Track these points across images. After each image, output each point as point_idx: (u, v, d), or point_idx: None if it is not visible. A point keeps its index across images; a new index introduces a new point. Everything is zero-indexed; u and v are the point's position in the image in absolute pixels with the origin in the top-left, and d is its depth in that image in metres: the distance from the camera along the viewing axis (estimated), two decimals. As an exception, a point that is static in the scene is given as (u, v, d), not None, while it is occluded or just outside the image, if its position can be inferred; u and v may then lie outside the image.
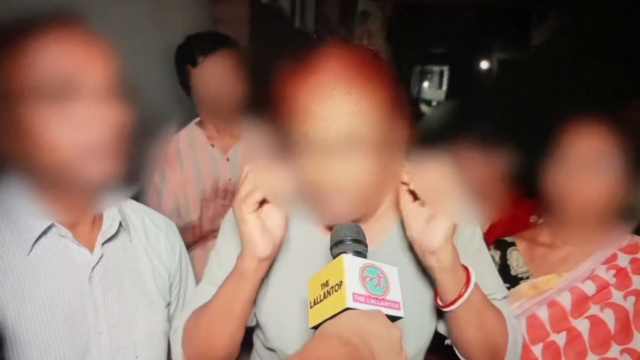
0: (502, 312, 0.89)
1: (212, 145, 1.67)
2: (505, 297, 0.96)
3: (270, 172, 0.78)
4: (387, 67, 0.79)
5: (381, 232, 0.91)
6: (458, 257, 0.80)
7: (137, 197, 0.99)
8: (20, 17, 0.72)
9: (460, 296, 0.79)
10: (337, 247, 0.72)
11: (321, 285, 0.69)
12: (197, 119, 1.71)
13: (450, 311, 0.82)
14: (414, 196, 0.79)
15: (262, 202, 0.80)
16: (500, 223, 1.47)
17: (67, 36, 0.73)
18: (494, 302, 0.90)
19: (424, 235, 0.77)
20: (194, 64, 1.55)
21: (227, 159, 1.66)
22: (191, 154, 1.66)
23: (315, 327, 0.67)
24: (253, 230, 0.79)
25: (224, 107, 1.57)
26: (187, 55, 1.57)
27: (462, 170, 0.83)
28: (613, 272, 1.04)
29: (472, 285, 0.80)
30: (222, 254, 0.95)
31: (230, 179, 1.64)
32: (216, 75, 1.54)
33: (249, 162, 0.81)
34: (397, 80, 0.80)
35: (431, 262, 0.79)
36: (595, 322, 1.03)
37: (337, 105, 0.72)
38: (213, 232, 1.51)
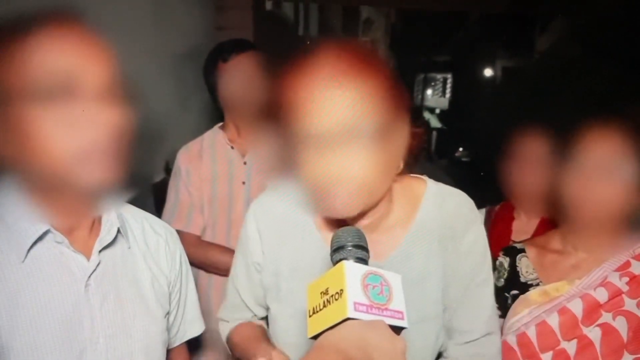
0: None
1: (232, 147, 1.70)
2: (492, 334, 0.93)
3: None
4: (382, 60, 0.80)
5: (391, 244, 0.89)
6: None
7: (133, 202, 0.97)
8: (20, 15, 0.71)
9: None
10: (337, 252, 0.70)
11: (321, 293, 0.66)
12: (221, 123, 1.77)
13: None
14: None
15: None
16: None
17: (67, 35, 0.72)
18: (489, 337, 0.91)
19: None
20: (225, 60, 1.65)
21: (245, 163, 1.69)
22: (211, 154, 1.70)
23: (315, 337, 0.65)
24: None
25: (246, 106, 1.62)
26: (219, 53, 1.68)
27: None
28: (626, 279, 1.02)
29: None
30: (237, 266, 1.03)
31: (243, 183, 1.67)
32: (243, 73, 1.64)
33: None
34: (393, 72, 0.79)
35: None
36: (607, 330, 1.00)
37: (334, 99, 0.72)
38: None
